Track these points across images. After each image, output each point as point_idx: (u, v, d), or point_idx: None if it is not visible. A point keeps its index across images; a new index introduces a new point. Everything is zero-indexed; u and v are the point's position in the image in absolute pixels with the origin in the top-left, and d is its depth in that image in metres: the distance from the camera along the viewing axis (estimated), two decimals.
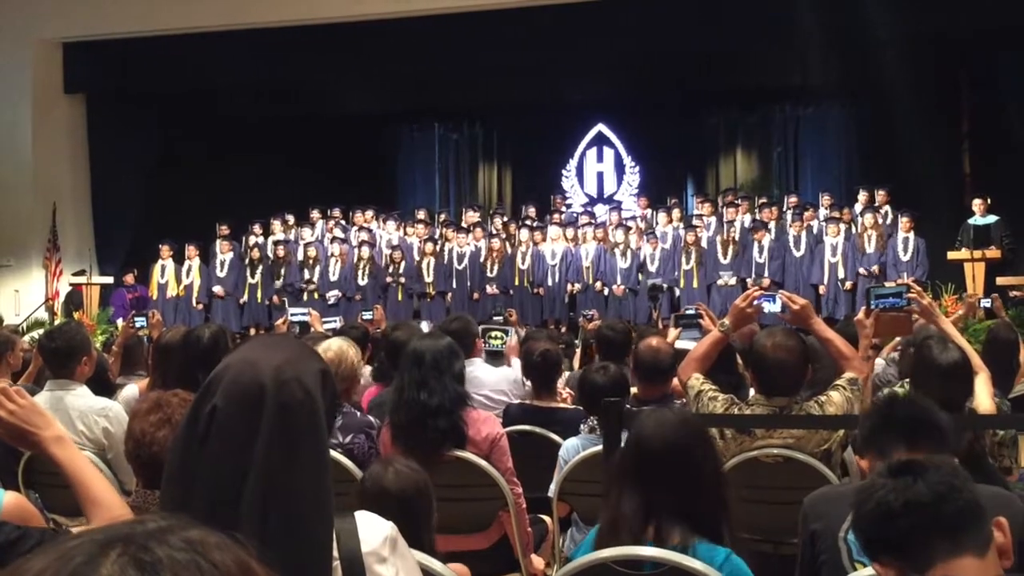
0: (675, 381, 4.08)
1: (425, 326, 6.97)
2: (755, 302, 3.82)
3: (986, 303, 8.50)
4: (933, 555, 1.63)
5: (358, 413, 3.93)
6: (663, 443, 2.36)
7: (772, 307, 4.32)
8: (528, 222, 14.38)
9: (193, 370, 3.63)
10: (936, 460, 1.78)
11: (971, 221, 12.18)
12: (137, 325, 6.06)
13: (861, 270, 12.06)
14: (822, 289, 12.37)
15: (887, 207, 12.96)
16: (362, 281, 13.47)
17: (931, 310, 4.02)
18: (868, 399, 3.80)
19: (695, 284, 12.67)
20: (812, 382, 3.63)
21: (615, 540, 2.32)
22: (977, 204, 12.17)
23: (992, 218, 12.08)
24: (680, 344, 6.32)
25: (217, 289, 13.89)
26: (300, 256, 13.97)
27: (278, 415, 1.43)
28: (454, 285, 13.45)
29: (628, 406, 3.65)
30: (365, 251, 13.61)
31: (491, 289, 13.24)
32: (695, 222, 13.52)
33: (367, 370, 5.29)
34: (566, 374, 5.44)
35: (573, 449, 3.91)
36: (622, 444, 2.58)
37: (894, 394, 3.78)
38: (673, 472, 2.32)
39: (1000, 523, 1.66)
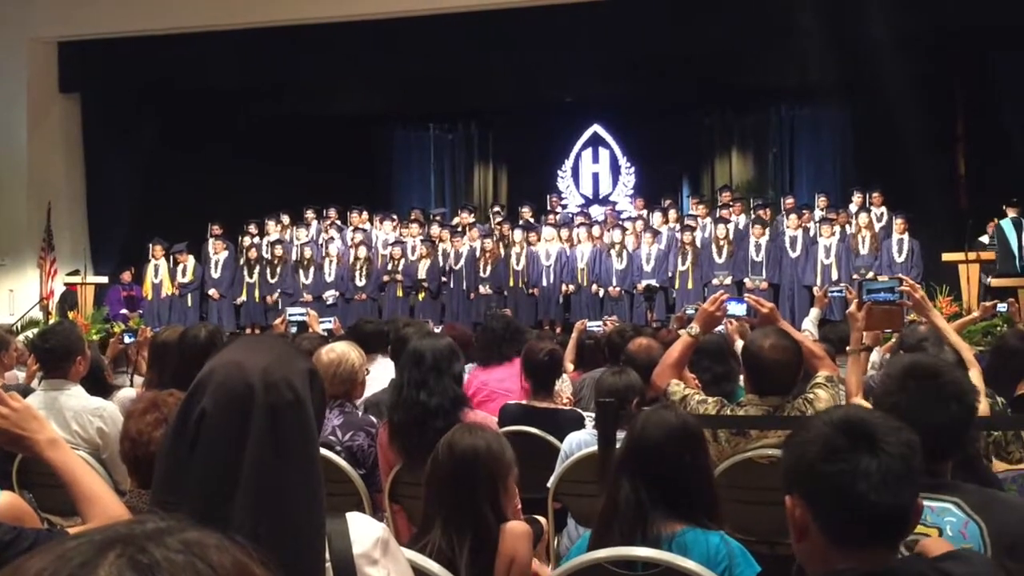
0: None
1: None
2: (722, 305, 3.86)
3: (1002, 307, 8.40)
4: (851, 540, 1.59)
5: (359, 412, 3.93)
6: (662, 440, 2.51)
7: (739, 309, 4.30)
8: (522, 223, 14.37)
9: (189, 370, 3.61)
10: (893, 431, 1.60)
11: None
12: (126, 341, 6.08)
13: (855, 275, 12.02)
14: (816, 290, 12.33)
15: (882, 208, 12.97)
16: (360, 282, 13.45)
17: (924, 304, 3.99)
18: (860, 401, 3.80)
19: (689, 285, 12.65)
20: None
21: (608, 531, 2.44)
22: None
23: None
24: None
25: (212, 292, 13.89)
26: (295, 257, 13.95)
27: (267, 417, 1.43)
28: (451, 285, 13.44)
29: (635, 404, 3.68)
30: (362, 251, 13.58)
31: (484, 289, 13.21)
32: (689, 223, 13.51)
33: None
34: (565, 376, 5.43)
35: (578, 444, 3.91)
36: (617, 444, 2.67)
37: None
38: (668, 467, 2.48)
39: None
